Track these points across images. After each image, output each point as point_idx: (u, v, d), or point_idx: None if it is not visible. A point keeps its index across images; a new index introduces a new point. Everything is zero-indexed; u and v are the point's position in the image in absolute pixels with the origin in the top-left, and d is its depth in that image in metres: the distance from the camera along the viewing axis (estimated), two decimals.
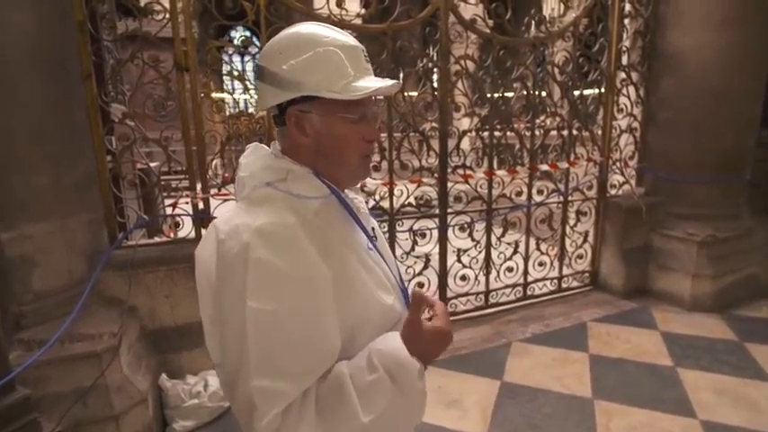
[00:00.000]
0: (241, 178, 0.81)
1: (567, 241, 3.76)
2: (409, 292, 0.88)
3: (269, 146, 0.87)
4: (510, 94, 3.50)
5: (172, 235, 2.74)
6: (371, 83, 0.78)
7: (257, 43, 2.71)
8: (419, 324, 0.75)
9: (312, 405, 0.70)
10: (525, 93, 3.37)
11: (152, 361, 2.34)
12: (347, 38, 0.80)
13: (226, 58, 3.01)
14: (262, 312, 0.69)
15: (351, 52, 0.79)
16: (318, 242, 0.75)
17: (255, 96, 2.81)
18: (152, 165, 2.69)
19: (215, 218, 2.52)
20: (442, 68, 3.05)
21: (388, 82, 0.80)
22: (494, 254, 3.47)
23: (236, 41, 3.19)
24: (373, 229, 0.94)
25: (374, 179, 3.03)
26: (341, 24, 2.66)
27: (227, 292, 0.72)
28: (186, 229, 2.62)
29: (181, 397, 2.27)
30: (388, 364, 0.72)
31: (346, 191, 0.89)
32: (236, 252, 0.71)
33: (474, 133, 3.35)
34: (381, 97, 2.37)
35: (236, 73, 2.72)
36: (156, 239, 2.66)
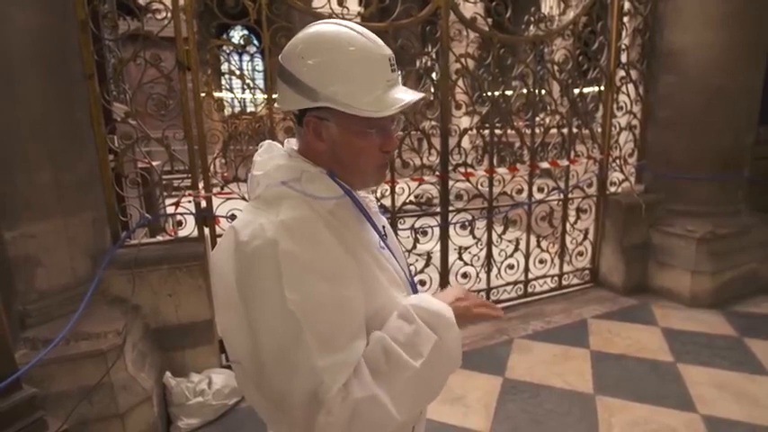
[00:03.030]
0: (255, 177, 0.80)
1: (568, 239, 3.77)
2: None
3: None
4: (510, 93, 3.52)
5: (173, 234, 2.74)
6: (399, 94, 0.76)
7: (256, 43, 2.71)
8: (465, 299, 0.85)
9: (365, 369, 0.71)
10: (525, 91, 3.38)
11: (156, 359, 2.35)
12: (373, 44, 0.76)
13: (223, 57, 3.01)
14: (304, 302, 0.69)
15: (377, 63, 0.75)
16: (337, 238, 0.76)
17: (260, 95, 2.80)
18: (154, 164, 2.70)
19: (217, 216, 2.56)
20: (443, 67, 3.06)
21: (415, 95, 0.77)
22: (495, 251, 3.49)
23: (234, 40, 3.19)
24: (384, 227, 0.94)
25: None
26: None
27: (258, 291, 0.71)
28: (188, 228, 2.63)
29: (185, 395, 2.28)
30: (422, 315, 0.77)
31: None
32: (264, 250, 0.70)
33: (474, 131, 3.36)
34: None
35: (237, 72, 2.72)
36: (159, 238, 2.66)
